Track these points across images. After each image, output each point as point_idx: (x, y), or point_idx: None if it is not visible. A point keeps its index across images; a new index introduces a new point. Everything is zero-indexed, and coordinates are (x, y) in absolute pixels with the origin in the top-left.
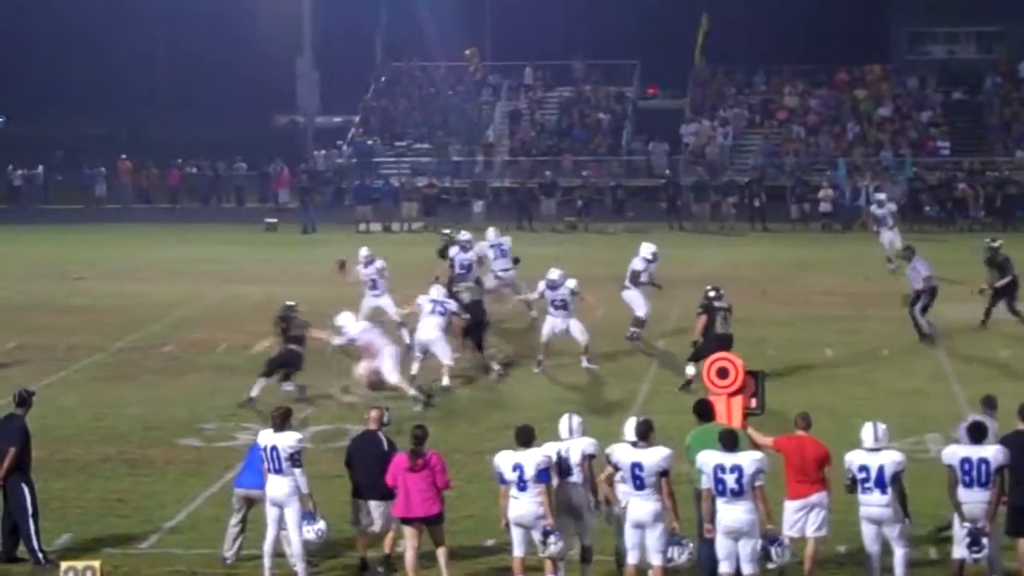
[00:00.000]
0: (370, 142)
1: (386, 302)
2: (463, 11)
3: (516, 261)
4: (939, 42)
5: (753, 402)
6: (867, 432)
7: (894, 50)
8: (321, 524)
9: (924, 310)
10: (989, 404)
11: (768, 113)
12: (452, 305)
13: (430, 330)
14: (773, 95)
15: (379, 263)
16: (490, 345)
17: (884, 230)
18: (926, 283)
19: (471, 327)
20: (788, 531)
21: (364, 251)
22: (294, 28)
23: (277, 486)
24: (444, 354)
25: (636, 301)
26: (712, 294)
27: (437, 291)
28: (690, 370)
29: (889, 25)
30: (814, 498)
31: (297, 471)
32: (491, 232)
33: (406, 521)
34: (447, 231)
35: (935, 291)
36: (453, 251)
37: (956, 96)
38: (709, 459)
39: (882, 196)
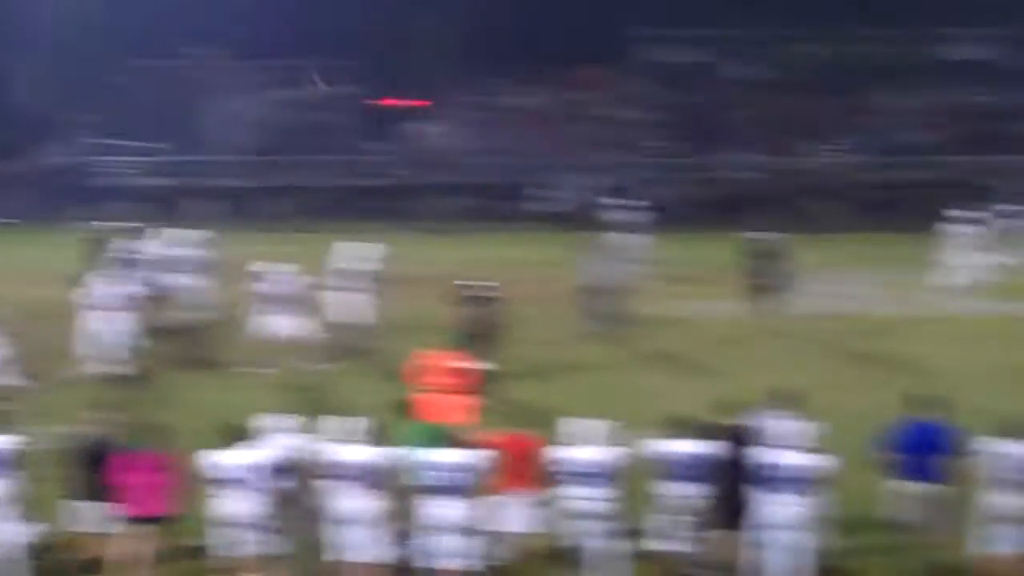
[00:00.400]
0: (97, 140)
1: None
2: (196, 10)
3: (201, 268)
4: (668, 44)
5: (479, 399)
6: (584, 428)
7: (624, 52)
8: (36, 527)
9: (602, 304)
10: (781, 399)
11: (500, 113)
12: (139, 290)
13: (119, 323)
14: (505, 96)
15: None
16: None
17: (630, 234)
18: (606, 280)
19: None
20: (505, 526)
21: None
22: (22, 22)
23: None
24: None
25: (356, 306)
26: (478, 286)
27: (108, 283)
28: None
29: (620, 27)
30: (531, 494)
31: (11, 473)
32: (168, 233)
33: (135, 520)
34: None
35: (617, 287)
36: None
37: (683, 98)
38: (427, 456)
39: (632, 202)
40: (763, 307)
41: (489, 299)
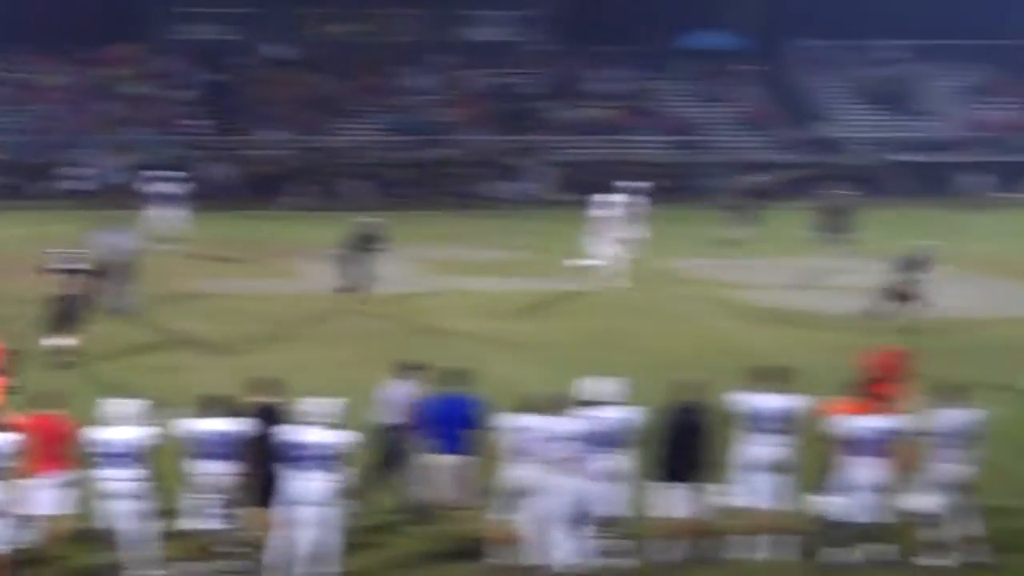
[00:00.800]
0: None
1: None
2: None
3: None
4: (200, 22)
5: (10, 380)
6: (115, 408)
7: (154, 30)
8: None
9: (124, 281)
10: (408, 369)
11: (26, 90)
12: None
13: None
14: (30, 73)
15: None
16: None
17: (162, 209)
18: (127, 256)
19: None
20: (33, 509)
21: None
22: None
23: None
24: None
25: None
26: (65, 257)
27: None
28: (61, 341)
29: (148, 4)
30: (61, 475)
31: None
32: None
33: None
34: None
35: (138, 264)
36: None
37: (214, 76)
38: None
39: (168, 178)
40: (354, 286)
41: (77, 272)
